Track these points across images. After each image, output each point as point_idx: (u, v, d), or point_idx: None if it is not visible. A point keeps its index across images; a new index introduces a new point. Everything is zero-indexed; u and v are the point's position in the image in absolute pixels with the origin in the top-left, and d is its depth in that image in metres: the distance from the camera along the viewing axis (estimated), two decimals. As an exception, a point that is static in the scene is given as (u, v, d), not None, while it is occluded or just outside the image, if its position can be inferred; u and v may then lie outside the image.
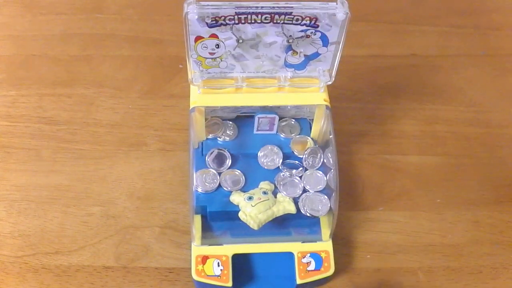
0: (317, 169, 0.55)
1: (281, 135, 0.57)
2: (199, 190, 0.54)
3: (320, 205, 0.53)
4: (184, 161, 0.62)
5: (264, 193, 0.52)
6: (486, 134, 0.67)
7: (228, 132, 0.57)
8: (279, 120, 0.57)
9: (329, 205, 0.53)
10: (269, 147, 0.56)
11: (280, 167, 0.55)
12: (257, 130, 0.57)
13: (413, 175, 0.63)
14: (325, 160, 0.56)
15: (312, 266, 0.52)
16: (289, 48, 0.49)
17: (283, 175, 0.55)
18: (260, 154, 0.56)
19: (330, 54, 0.50)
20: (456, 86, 0.71)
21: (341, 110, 0.66)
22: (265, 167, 0.55)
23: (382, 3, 0.80)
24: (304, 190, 0.54)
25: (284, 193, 0.53)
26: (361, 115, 0.67)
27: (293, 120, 0.58)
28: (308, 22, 0.47)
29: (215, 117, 0.58)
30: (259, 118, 0.56)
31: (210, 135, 0.57)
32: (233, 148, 0.56)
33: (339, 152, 0.52)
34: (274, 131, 0.57)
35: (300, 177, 0.55)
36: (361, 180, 0.62)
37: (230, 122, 0.57)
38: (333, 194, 0.52)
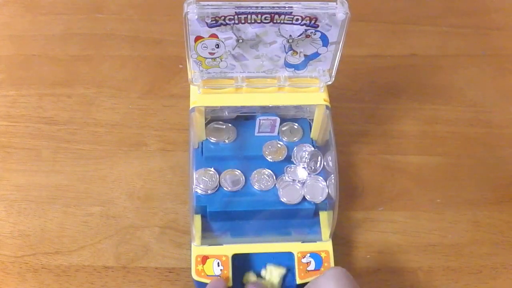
0: (317, 173, 0.55)
1: (284, 139, 0.57)
2: (199, 190, 0.54)
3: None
4: (184, 161, 0.62)
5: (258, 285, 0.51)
6: (486, 134, 0.67)
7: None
8: (280, 123, 0.56)
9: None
10: (261, 171, 0.55)
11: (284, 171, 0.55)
12: (258, 132, 0.57)
13: (413, 175, 0.63)
14: (324, 163, 0.55)
15: (312, 266, 0.52)
16: (289, 48, 0.49)
17: (285, 178, 0.55)
18: (252, 179, 0.55)
19: (330, 54, 0.50)
20: (456, 86, 0.71)
21: (341, 110, 0.66)
22: (262, 190, 0.54)
23: (382, 3, 0.80)
24: (304, 198, 0.54)
25: (285, 199, 0.53)
26: (361, 115, 0.67)
27: (296, 124, 0.58)
28: (308, 22, 0.47)
29: (217, 122, 0.57)
30: (260, 120, 0.55)
31: (213, 139, 0.56)
32: (233, 151, 0.56)
33: (339, 152, 0.52)
34: (276, 133, 0.57)
35: (302, 183, 0.55)
36: (361, 180, 0.62)
37: (230, 125, 0.57)
38: (333, 195, 0.52)
